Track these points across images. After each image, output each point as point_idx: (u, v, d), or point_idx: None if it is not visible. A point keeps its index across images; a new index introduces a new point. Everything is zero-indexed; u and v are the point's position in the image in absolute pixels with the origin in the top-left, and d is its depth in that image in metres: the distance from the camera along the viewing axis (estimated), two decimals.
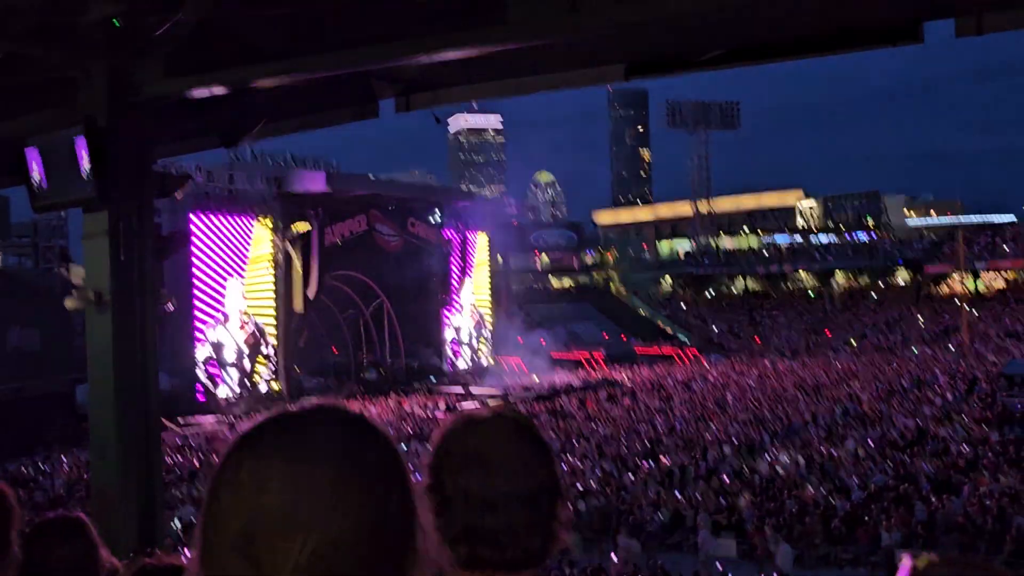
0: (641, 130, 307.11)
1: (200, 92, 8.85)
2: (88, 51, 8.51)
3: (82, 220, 8.99)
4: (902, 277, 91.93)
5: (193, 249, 48.99)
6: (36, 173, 8.77)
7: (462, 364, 71.64)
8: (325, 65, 8.71)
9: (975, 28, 6.89)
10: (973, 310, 76.76)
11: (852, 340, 79.34)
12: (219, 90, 8.83)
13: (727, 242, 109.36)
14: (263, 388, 54.59)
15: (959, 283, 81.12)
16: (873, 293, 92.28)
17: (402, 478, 1.38)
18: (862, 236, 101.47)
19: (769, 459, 31.23)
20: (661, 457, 32.85)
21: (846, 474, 28.51)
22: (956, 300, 78.72)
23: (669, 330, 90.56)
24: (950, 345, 70.43)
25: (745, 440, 35.19)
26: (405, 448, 38.33)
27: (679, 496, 27.80)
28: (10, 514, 2.77)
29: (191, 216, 49.57)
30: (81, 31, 8.48)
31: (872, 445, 32.29)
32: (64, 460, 38.03)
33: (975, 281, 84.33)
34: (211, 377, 52.26)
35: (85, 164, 8.25)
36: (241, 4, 8.26)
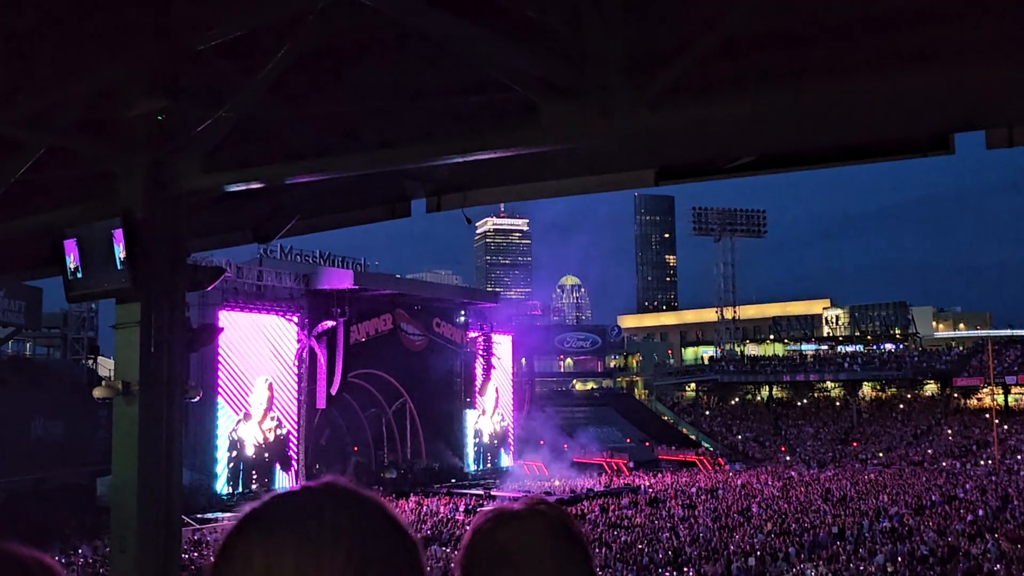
0: (667, 236, 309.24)
1: (235, 188, 9.00)
2: (129, 146, 8.72)
3: (114, 311, 9.08)
4: (930, 389, 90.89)
5: (219, 344, 49.19)
6: (72, 263, 8.92)
7: (483, 466, 71.00)
8: (358, 164, 8.85)
9: (1006, 140, 6.94)
10: (1004, 424, 75.68)
11: (879, 452, 78.20)
12: (254, 186, 8.99)
13: (752, 349, 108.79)
14: (282, 485, 54.17)
15: (989, 396, 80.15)
16: (900, 404, 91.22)
17: (418, 561, 1.32)
18: (889, 346, 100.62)
19: (795, 572, 30.54)
20: (684, 567, 32.21)
21: None
22: (986, 414, 77.71)
23: (693, 437, 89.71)
24: (980, 460, 69.31)
25: (770, 551, 34.48)
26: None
27: None
28: None
29: (219, 311, 49.98)
30: (124, 126, 8.70)
31: (902, 561, 31.54)
32: (80, 552, 37.69)
33: (1005, 395, 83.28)
34: (230, 472, 51.96)
35: (121, 255, 8.37)
36: (279, 103, 8.45)
